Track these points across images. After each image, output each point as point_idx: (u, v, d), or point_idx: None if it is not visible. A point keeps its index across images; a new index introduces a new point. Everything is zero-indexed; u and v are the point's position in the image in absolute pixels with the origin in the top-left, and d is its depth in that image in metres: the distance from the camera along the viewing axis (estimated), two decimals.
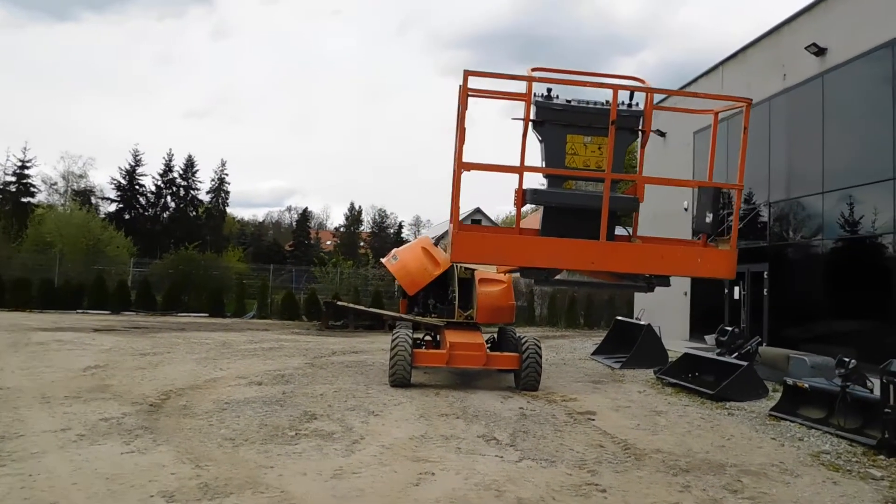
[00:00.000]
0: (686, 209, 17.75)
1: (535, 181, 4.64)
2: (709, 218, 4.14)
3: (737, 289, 14.77)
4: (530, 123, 4.41)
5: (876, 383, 6.46)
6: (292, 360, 12.47)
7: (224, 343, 15.26)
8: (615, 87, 4.12)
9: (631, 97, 4.48)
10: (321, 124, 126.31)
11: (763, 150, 14.22)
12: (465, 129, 4.20)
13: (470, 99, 4.13)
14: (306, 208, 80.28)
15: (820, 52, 12.10)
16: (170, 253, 27.21)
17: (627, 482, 5.25)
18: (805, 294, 12.91)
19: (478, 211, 55.50)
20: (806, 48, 12.31)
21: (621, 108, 4.43)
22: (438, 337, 11.04)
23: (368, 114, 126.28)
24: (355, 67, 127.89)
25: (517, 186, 4.41)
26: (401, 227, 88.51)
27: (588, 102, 4.46)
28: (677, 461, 5.92)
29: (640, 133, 4.43)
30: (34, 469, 5.18)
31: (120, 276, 24.73)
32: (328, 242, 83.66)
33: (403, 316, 12.04)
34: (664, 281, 4.25)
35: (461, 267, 10.89)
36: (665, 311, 17.41)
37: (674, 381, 10.21)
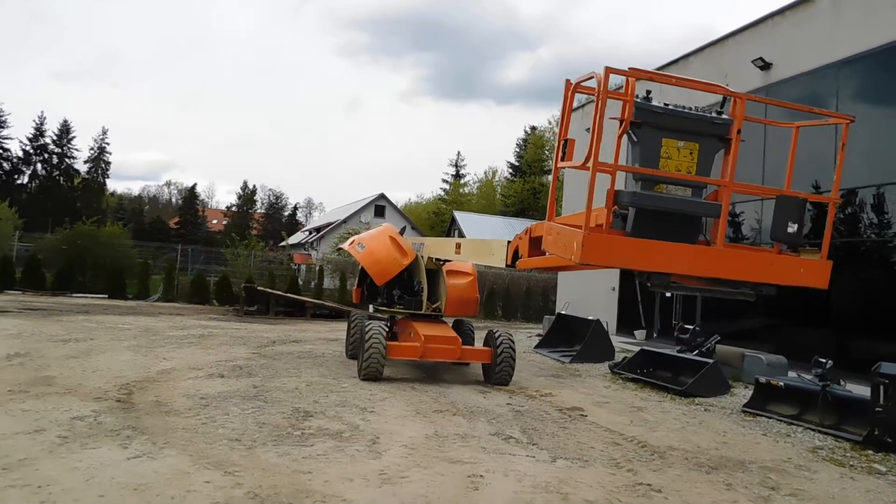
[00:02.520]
0: None
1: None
2: (792, 228, 4.29)
3: None
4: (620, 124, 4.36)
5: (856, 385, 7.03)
6: (236, 350, 11.71)
7: (147, 329, 14.05)
8: (742, 97, 4.19)
9: (722, 105, 4.56)
10: (207, 99, 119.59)
11: None
12: (602, 129, 4.06)
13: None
14: (195, 185, 75.79)
15: (765, 66, 13.01)
16: (63, 227, 24.57)
17: (672, 481, 5.36)
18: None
19: (382, 196, 55.04)
20: (752, 61, 13.18)
21: (714, 116, 4.50)
22: (396, 328, 10.76)
23: (260, 92, 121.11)
24: (247, 42, 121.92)
25: (609, 187, 4.34)
26: (296, 208, 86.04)
27: (683, 107, 4.48)
28: (697, 458, 6.14)
29: (728, 141, 4.50)
30: (37, 479, 4.47)
31: (2, 250, 22.00)
32: (215, 221, 79.56)
33: (381, 311, 11.49)
34: (770, 289, 4.37)
35: (430, 257, 10.68)
36: (591, 306, 18.01)
37: (633, 376, 10.63)
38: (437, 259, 10.58)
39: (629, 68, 4.16)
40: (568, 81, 4.55)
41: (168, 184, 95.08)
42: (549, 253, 4.59)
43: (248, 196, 77.28)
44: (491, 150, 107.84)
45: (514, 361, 9.70)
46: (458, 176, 64.48)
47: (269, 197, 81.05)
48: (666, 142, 4.31)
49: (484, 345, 10.10)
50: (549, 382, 10.40)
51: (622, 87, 4.38)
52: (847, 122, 4.37)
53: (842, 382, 7.47)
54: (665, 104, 4.38)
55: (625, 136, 4.42)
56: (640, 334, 16.22)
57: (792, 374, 9.47)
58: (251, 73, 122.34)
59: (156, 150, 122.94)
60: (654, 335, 16.20)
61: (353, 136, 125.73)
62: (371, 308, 12.19)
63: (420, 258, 10.77)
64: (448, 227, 46.61)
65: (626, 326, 17.25)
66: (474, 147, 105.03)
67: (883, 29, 10.85)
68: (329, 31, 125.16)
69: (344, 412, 7.22)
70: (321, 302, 21.84)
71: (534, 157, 48.78)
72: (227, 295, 23.48)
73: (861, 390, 7.60)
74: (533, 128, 53.83)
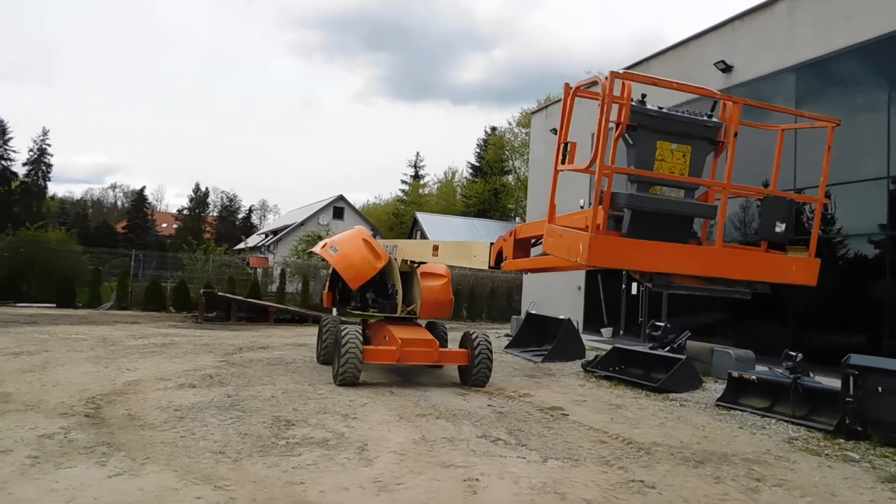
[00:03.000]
0: (582, 207, 18.77)
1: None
2: (780, 227, 4.41)
3: (634, 284, 15.93)
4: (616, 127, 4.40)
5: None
6: (203, 359, 11.38)
7: (104, 339, 13.53)
8: (739, 101, 4.28)
9: (712, 109, 4.65)
10: (153, 98, 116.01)
11: None
12: (607, 133, 4.08)
13: None
14: (143, 188, 73.49)
15: (727, 68, 13.40)
16: (5, 233, 23.40)
17: (663, 477, 5.44)
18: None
19: (340, 198, 54.49)
20: (714, 64, 13.56)
21: (705, 119, 4.58)
22: (370, 332, 10.64)
23: (208, 90, 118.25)
24: (196, 38, 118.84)
25: (605, 189, 4.38)
26: (251, 211, 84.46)
27: (677, 110, 4.54)
28: (682, 453, 6.25)
29: (718, 143, 4.59)
30: (13, 503, 4.21)
31: None
32: (164, 225, 77.28)
33: (354, 315, 11.39)
34: (765, 287, 4.47)
35: (403, 260, 10.61)
36: (557, 305, 18.22)
37: (606, 373, 10.78)
38: (411, 262, 10.51)
39: (624, 71, 4.19)
40: (567, 86, 4.57)
41: (113, 186, 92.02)
42: (550, 254, 4.58)
43: (200, 198, 75.29)
44: (450, 151, 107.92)
45: (491, 363, 9.71)
46: (417, 176, 64.35)
47: (222, 199, 79.22)
48: (660, 144, 4.37)
49: (460, 346, 10.07)
50: (525, 382, 10.45)
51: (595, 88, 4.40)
52: (833, 126, 4.52)
53: (811, 374, 7.72)
54: (660, 107, 4.44)
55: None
56: (606, 332, 16.48)
57: (761, 367, 9.75)
58: (198, 70, 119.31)
59: (99, 153, 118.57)
60: (621, 333, 16.49)
61: (307, 136, 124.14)
62: (335, 311, 12.07)
63: (393, 261, 10.68)
64: (410, 229, 46.46)
65: (592, 325, 17.50)
66: (433, 148, 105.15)
67: (835, 36, 11.32)
68: (282, 28, 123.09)
69: (326, 419, 7.09)
70: (284, 307, 21.45)
71: (494, 158, 49.06)
72: (184, 301, 22.84)
73: (821, 381, 7.92)
74: (493, 128, 54.14)
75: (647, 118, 4.42)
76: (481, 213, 48.55)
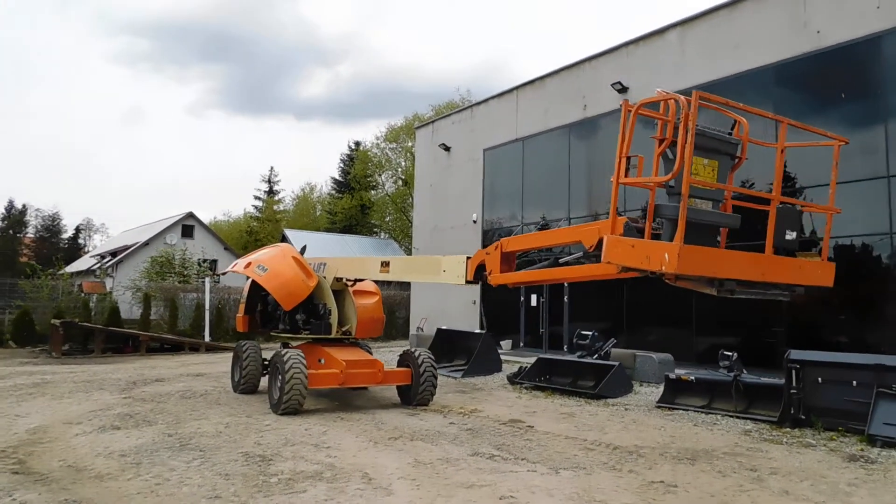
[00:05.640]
0: (475, 221, 19.21)
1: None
2: (790, 235, 4.86)
3: (534, 296, 16.54)
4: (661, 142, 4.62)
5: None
6: (100, 397, 10.04)
7: None
8: (784, 121, 4.65)
9: (732, 127, 5.02)
10: None
11: (564, 171, 16.31)
12: (629, 146, 4.21)
13: None
14: None
15: (623, 89, 14.46)
16: None
17: (675, 476, 5.68)
18: (597, 299, 15.06)
19: (190, 216, 50.98)
20: (612, 85, 14.59)
21: (729, 136, 4.94)
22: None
23: (20, 101, 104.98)
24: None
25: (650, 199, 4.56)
26: (78, 231, 76.08)
27: (708, 128, 4.85)
28: (669, 453, 6.56)
29: (738, 158, 4.98)
30: None
31: None
32: None
33: (281, 338, 10.51)
34: (800, 289, 4.84)
35: (336, 278, 10.14)
36: (449, 320, 18.34)
37: (535, 384, 11.06)
38: (346, 280, 10.08)
39: (694, 93, 4.40)
40: (626, 102, 4.70)
41: None
42: (613, 263, 4.63)
43: (15, 217, 66.37)
44: (303, 167, 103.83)
45: (436, 381, 9.56)
46: (271, 192, 61.94)
47: (41, 219, 70.41)
48: (695, 159, 4.62)
49: (399, 366, 9.81)
50: (462, 398, 10.40)
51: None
52: (839, 144, 5.10)
53: (744, 372, 8.52)
54: (697, 125, 4.71)
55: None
56: (506, 344, 16.90)
57: (679, 370, 10.56)
58: (8, 78, 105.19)
59: None
60: (522, 344, 17.01)
61: (136, 151, 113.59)
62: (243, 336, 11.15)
63: (322, 279, 10.17)
64: None
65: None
66: (284, 163, 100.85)
67: (722, 65, 12.72)
68: (102, 36, 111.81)
69: (300, 451, 6.55)
70: (160, 335, 19.52)
71: (362, 173, 48.57)
72: (28, 334, 19.99)
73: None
74: (357, 143, 53.65)
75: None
76: (347, 228, 47.79)
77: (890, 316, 10.31)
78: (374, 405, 9.56)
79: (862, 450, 6.62)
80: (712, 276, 4.30)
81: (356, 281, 10.19)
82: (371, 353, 11.13)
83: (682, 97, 4.36)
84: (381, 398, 10.24)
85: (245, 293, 11.15)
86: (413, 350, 9.78)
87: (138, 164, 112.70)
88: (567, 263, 5.84)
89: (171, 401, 9.61)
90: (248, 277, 10.70)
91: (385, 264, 8.85)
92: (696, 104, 4.23)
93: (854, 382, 7.01)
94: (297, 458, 6.23)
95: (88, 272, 48.61)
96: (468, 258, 7.15)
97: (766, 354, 11.11)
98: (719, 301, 12.26)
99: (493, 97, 19.42)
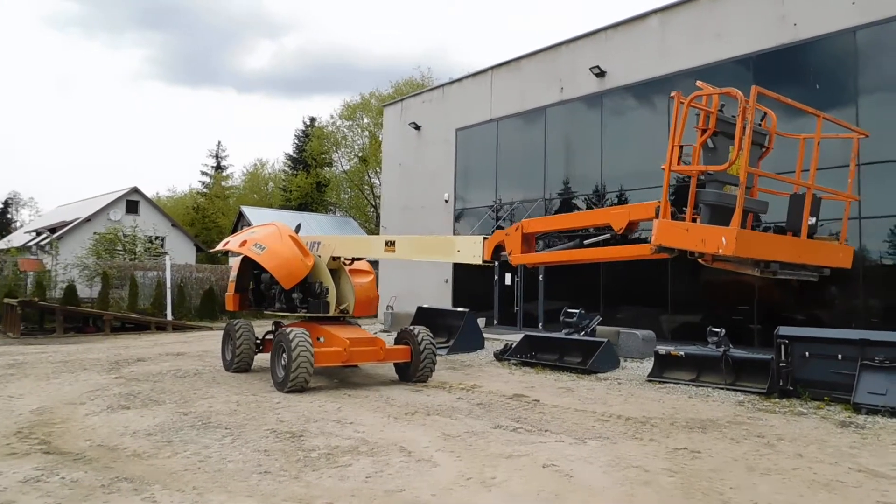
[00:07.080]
0: (447, 201, 19.35)
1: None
2: (811, 221, 5.26)
3: (508, 276, 16.88)
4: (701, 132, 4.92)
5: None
6: (91, 377, 9.83)
7: None
8: (820, 115, 4.98)
9: (762, 119, 5.34)
10: None
11: (539, 153, 16.60)
12: (682, 136, 4.48)
13: None
14: None
15: (601, 73, 14.79)
16: None
17: (694, 443, 6.08)
18: (572, 278, 15.49)
19: (135, 191, 49.17)
20: (590, 69, 14.89)
21: (760, 127, 5.27)
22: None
23: None
24: None
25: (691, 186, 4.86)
26: (7, 205, 72.24)
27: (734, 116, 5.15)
28: (677, 423, 6.98)
29: (766, 148, 5.32)
30: None
31: None
32: None
33: (278, 316, 10.42)
34: (826, 271, 5.23)
35: (333, 257, 10.14)
36: (421, 299, 18.51)
37: (523, 360, 11.41)
38: (344, 259, 10.10)
39: (753, 87, 4.67)
40: (679, 94, 4.93)
41: None
42: (668, 247, 4.90)
43: None
44: (252, 141, 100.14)
45: (436, 358, 9.76)
46: (219, 168, 60.19)
47: None
48: (732, 149, 4.93)
49: (398, 343, 9.96)
50: (458, 375, 10.63)
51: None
52: (859, 137, 5.50)
53: (731, 347, 9.07)
54: (733, 116, 5.00)
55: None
56: (480, 322, 17.18)
57: (663, 346, 11.09)
58: None
59: None
60: (495, 322, 17.37)
61: (67, 121, 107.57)
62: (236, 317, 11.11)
63: (318, 258, 10.16)
64: (235, 223, 43.34)
65: None
66: (231, 137, 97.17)
67: (704, 52, 13.16)
68: None
69: (325, 427, 6.66)
70: (126, 315, 18.96)
71: (318, 150, 47.72)
72: None
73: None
74: (312, 119, 52.56)
75: (725, 125, 4.97)
76: (303, 206, 47.04)
77: (836, 294, 11.21)
78: (374, 382, 9.70)
79: (849, 416, 7.23)
80: (762, 258, 4.63)
81: (353, 260, 10.21)
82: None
83: (740, 92, 4.63)
84: (377, 375, 10.38)
85: (234, 272, 11.02)
86: (412, 328, 9.92)
87: (71, 136, 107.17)
88: (593, 245, 6.10)
89: (165, 380, 9.47)
90: (231, 254, 10.57)
91: (390, 244, 8.92)
92: (754, 98, 4.51)
93: (839, 356, 7.62)
94: (326, 434, 6.33)
95: (24, 248, 46.25)
96: (485, 238, 7.33)
97: (737, 331, 11.79)
98: (693, 281, 13.14)
99: (466, 77, 19.48)
